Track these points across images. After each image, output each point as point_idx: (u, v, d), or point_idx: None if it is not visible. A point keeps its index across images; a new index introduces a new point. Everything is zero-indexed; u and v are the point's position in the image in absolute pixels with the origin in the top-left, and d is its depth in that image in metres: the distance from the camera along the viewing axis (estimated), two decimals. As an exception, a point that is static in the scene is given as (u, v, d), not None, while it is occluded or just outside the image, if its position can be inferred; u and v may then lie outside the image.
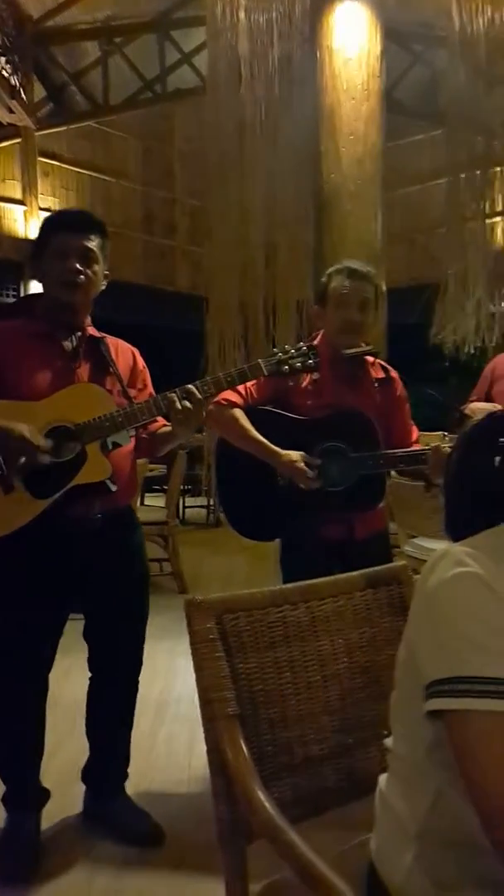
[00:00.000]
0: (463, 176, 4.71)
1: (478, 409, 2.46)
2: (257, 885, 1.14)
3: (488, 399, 2.89)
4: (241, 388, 2.21)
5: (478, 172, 4.69)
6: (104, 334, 2.05)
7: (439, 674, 0.83)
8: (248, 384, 2.22)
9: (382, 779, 1.04)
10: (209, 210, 4.93)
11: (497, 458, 0.95)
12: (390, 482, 3.57)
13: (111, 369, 1.99)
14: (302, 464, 2.12)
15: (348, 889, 0.86)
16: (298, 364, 1.95)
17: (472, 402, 2.88)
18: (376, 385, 2.33)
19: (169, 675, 3.19)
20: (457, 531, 0.98)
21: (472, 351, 4.85)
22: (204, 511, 7.67)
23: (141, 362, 2.14)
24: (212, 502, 7.33)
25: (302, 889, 0.92)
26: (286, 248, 4.37)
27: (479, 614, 0.83)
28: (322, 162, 3.55)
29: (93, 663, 2.10)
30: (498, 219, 5.05)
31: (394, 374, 2.37)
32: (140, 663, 2.12)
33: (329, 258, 3.10)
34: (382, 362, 2.40)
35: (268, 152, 4.12)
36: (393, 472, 2.55)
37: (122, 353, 2.09)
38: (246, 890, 1.13)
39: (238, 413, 2.22)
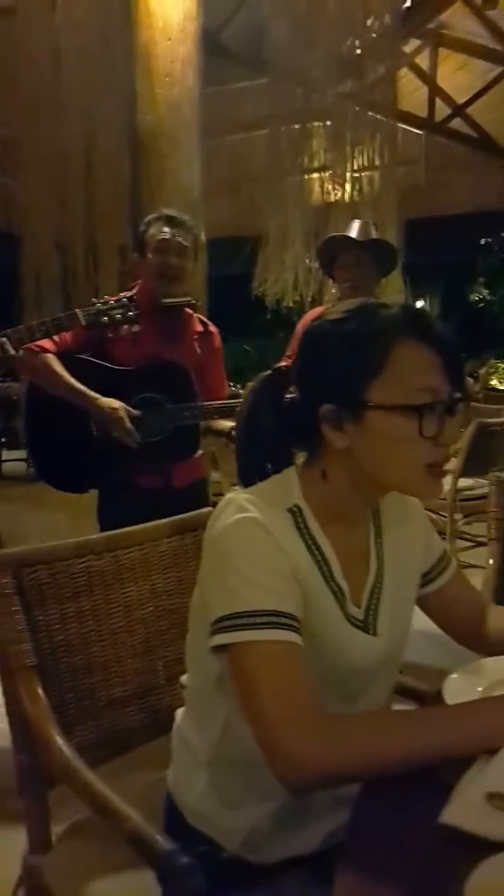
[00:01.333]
0: (283, 128, 4.78)
1: None
2: (61, 827, 1.18)
3: None
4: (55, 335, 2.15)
5: (297, 126, 4.78)
6: None
7: (222, 611, 0.88)
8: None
9: (179, 713, 1.11)
10: (21, 141, 4.63)
11: (281, 410, 1.02)
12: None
13: None
14: (122, 412, 2.11)
15: (141, 818, 0.91)
16: (118, 315, 1.93)
17: (287, 356, 2.95)
18: (195, 338, 2.36)
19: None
20: (247, 479, 1.03)
21: (291, 305, 5.00)
22: (23, 465, 7.39)
23: None
24: (31, 455, 7.04)
25: (101, 826, 0.96)
26: (107, 187, 4.22)
27: (257, 555, 0.90)
28: (137, 102, 3.45)
29: None
30: (316, 175, 5.19)
31: (212, 328, 2.41)
32: None
33: (147, 204, 3.05)
34: (201, 316, 2.43)
35: (85, 84, 3.93)
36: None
37: None
38: (48, 833, 1.16)
39: (51, 359, 2.16)
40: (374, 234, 2.89)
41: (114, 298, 1.94)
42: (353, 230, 2.81)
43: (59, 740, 1.05)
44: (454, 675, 1.01)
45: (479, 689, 0.96)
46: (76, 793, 1.00)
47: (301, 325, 3.03)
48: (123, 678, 1.27)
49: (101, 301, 1.93)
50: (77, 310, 1.92)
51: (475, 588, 1.21)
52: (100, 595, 1.26)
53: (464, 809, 0.73)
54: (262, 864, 0.99)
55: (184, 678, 1.10)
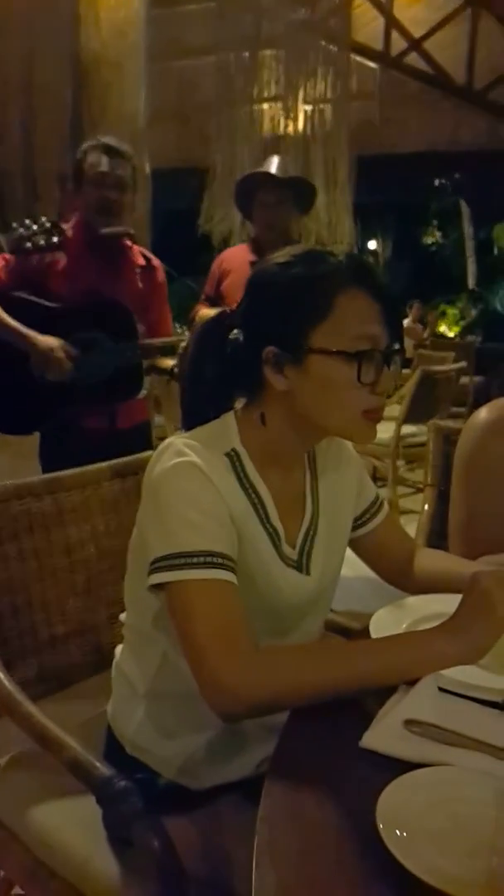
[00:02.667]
0: (232, 55, 4.61)
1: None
2: (3, 759, 1.22)
3: (218, 294, 2.78)
4: None
5: (247, 54, 4.62)
6: None
7: (160, 551, 0.91)
8: None
9: (118, 649, 1.15)
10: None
11: (222, 354, 1.03)
12: (158, 377, 3.60)
13: None
14: (61, 353, 2.07)
15: (81, 746, 0.95)
16: (42, 241, 1.86)
17: (204, 300, 2.88)
18: (137, 272, 2.31)
19: None
20: (190, 423, 1.05)
21: (238, 244, 4.90)
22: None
23: None
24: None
25: (44, 757, 1.00)
26: (47, 115, 4.03)
27: (194, 498, 0.92)
28: (81, 26, 3.28)
29: None
30: (267, 106, 5.04)
31: (155, 262, 2.36)
32: None
33: (88, 132, 2.93)
34: (143, 250, 2.37)
35: (24, 6, 3.70)
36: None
37: None
38: (-10, 764, 1.20)
39: None
40: (292, 172, 2.82)
41: (36, 223, 1.87)
42: (272, 166, 2.73)
43: (1, 674, 1.08)
44: (381, 612, 1.06)
45: (404, 625, 1.02)
46: (18, 724, 1.03)
47: (217, 262, 2.89)
48: (65, 616, 1.30)
49: (23, 226, 1.85)
50: None
51: (405, 531, 1.27)
52: (41, 536, 1.28)
53: (382, 734, 0.79)
54: (198, 789, 1.05)
55: (122, 616, 1.13)
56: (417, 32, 6.16)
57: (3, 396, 2.21)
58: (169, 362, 2.23)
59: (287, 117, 5.00)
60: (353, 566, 1.22)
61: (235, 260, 2.77)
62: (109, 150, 2.15)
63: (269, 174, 2.69)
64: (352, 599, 1.34)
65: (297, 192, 2.69)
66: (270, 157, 2.89)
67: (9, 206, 4.29)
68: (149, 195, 3.34)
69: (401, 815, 0.65)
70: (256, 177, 2.74)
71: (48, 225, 1.88)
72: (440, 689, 0.85)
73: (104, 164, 2.12)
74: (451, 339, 10.95)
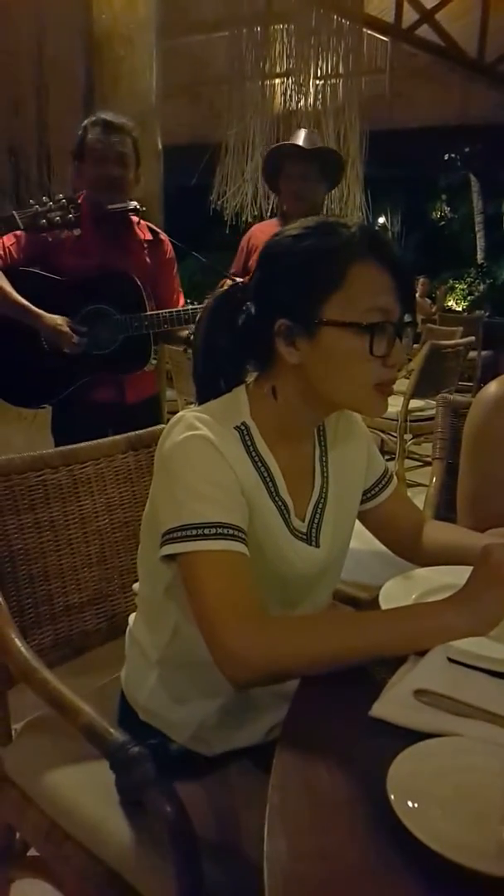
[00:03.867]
0: (244, 30, 4.54)
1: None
2: (20, 725, 1.25)
3: (246, 271, 2.80)
4: None
5: (258, 28, 4.54)
6: None
7: (172, 523, 0.92)
8: (8, 244, 2.10)
9: (131, 618, 1.17)
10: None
11: (235, 327, 1.03)
12: (170, 351, 3.60)
13: None
14: (66, 328, 2.09)
15: (95, 712, 0.97)
16: (57, 218, 1.87)
17: (233, 273, 2.87)
18: (145, 246, 2.31)
19: None
20: (204, 396, 1.06)
21: (250, 220, 4.87)
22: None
23: None
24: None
25: (58, 722, 1.03)
26: (60, 91, 4.00)
27: (204, 471, 0.93)
28: (92, 1, 3.24)
29: None
30: (278, 81, 4.97)
31: (163, 236, 2.36)
32: None
33: (101, 107, 2.90)
34: (150, 224, 2.37)
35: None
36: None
37: None
38: (8, 728, 1.23)
39: None
40: (319, 143, 2.79)
41: (52, 200, 1.87)
42: (300, 139, 2.71)
43: (18, 642, 1.10)
44: (390, 583, 1.08)
45: (413, 595, 1.03)
46: (34, 690, 1.06)
47: (245, 239, 2.91)
48: (80, 586, 1.32)
49: (39, 203, 1.85)
50: (14, 212, 1.85)
51: (413, 504, 1.28)
52: (56, 507, 1.30)
53: (392, 704, 0.80)
54: (209, 755, 1.07)
55: (136, 586, 1.15)
56: (429, 3, 6.04)
57: (13, 370, 2.23)
58: (185, 332, 2.23)
59: (298, 92, 4.93)
60: (364, 539, 1.23)
61: (264, 235, 2.75)
62: (108, 126, 2.13)
63: (296, 146, 2.67)
64: (362, 572, 1.35)
65: (324, 164, 2.66)
66: (298, 130, 2.88)
67: (23, 181, 4.28)
68: (160, 171, 3.32)
69: (411, 785, 0.66)
70: (283, 149, 2.72)
71: (64, 201, 1.87)
72: (449, 659, 0.86)
73: (103, 140, 2.11)
74: (459, 313, 10.89)
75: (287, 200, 2.72)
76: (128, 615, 1.20)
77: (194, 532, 0.90)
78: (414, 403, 4.00)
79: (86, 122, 2.19)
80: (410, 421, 4.05)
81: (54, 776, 1.12)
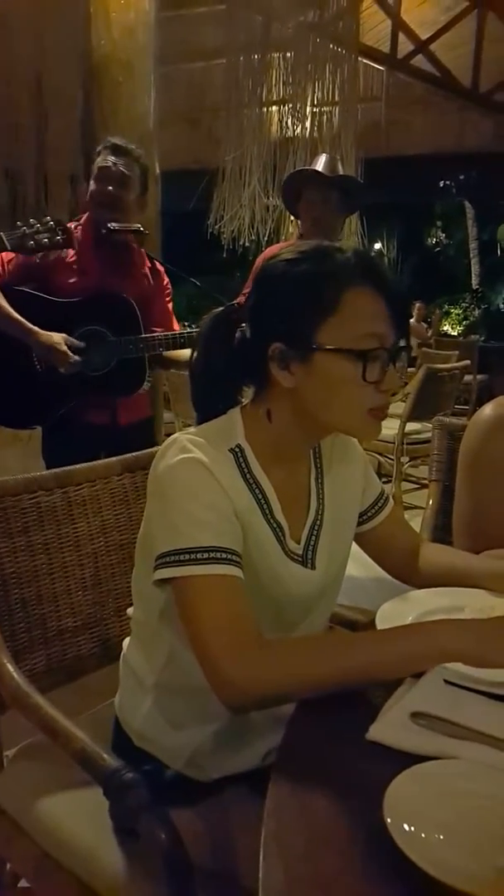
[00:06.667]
0: (241, 58, 4.61)
1: None
2: (12, 751, 1.23)
3: None
4: None
5: (255, 56, 4.61)
6: None
7: (166, 546, 0.92)
8: (6, 260, 2.12)
9: (126, 642, 1.15)
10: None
11: (230, 348, 1.04)
12: (167, 373, 3.60)
13: None
14: (64, 346, 2.09)
15: (88, 738, 0.95)
16: (45, 239, 1.88)
17: (244, 295, 2.90)
18: (145, 272, 2.33)
19: None
20: (202, 417, 1.06)
21: (248, 244, 4.92)
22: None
23: None
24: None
25: (51, 748, 1.01)
26: (58, 115, 4.05)
27: (198, 494, 0.93)
28: (91, 26, 3.29)
29: None
30: (275, 108, 5.05)
31: (159, 266, 2.39)
32: None
33: (99, 133, 2.95)
34: (148, 252, 2.39)
35: (36, 7, 3.72)
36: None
37: None
38: (0, 756, 1.21)
39: None
40: (341, 170, 2.81)
41: (40, 222, 1.89)
42: (320, 164, 2.73)
43: (10, 667, 1.09)
44: (387, 605, 1.07)
45: (410, 617, 1.03)
46: (26, 716, 1.04)
47: (260, 260, 2.98)
48: (73, 609, 1.31)
49: (27, 225, 1.88)
50: (1, 233, 1.87)
51: (410, 526, 1.28)
52: (50, 530, 1.29)
53: (389, 727, 0.79)
54: (204, 780, 1.05)
55: (130, 610, 1.14)
56: (424, 34, 6.15)
57: (6, 390, 2.22)
58: (185, 353, 2.24)
59: (295, 119, 5.00)
60: (365, 566, 1.22)
61: None
62: (116, 149, 2.20)
63: (315, 172, 2.68)
64: (362, 597, 1.35)
65: (343, 190, 2.68)
66: (319, 155, 2.89)
67: (20, 206, 4.32)
68: (158, 196, 3.35)
69: (408, 809, 0.65)
70: (303, 174, 2.74)
71: (52, 223, 1.89)
72: (446, 681, 0.85)
73: (108, 160, 2.16)
74: (454, 337, 10.98)
75: (304, 225, 2.74)
76: (122, 639, 1.19)
77: (188, 556, 0.90)
78: (410, 426, 4.02)
79: (99, 147, 2.25)
80: (407, 444, 4.06)
81: (46, 804, 1.11)
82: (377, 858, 0.62)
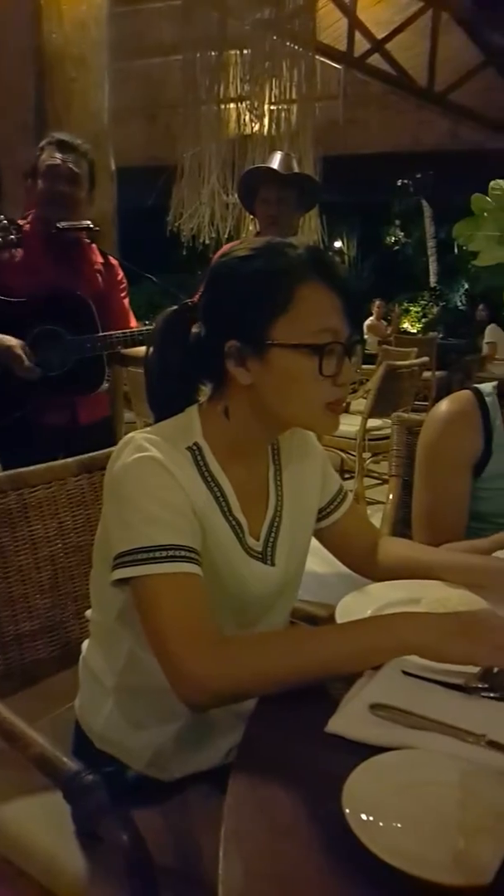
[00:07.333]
0: (198, 55, 4.59)
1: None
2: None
3: None
4: None
5: (212, 53, 4.60)
6: None
7: (123, 546, 0.91)
8: None
9: (85, 645, 1.14)
10: None
11: (186, 346, 1.03)
12: (127, 372, 3.57)
13: None
14: (20, 350, 2.06)
15: (47, 742, 0.94)
16: None
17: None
18: (96, 268, 2.30)
19: None
20: (159, 415, 1.05)
21: (208, 242, 4.90)
22: None
23: None
24: None
25: (9, 753, 0.99)
26: (9, 111, 3.99)
27: (155, 493, 0.92)
28: (42, 19, 3.24)
29: None
30: (233, 105, 5.03)
31: (113, 260, 2.35)
32: None
33: (53, 129, 2.90)
34: (101, 248, 2.36)
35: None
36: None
37: None
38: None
39: None
40: (296, 168, 2.82)
41: None
42: (275, 162, 2.73)
43: (-35, 673, 1.07)
44: (347, 598, 1.07)
45: (369, 610, 1.03)
46: (-17, 722, 1.02)
47: (215, 259, 2.96)
48: (31, 613, 1.29)
49: None
50: None
51: (369, 521, 1.29)
52: (5, 533, 1.26)
53: (348, 719, 0.80)
54: (167, 780, 1.05)
55: (89, 612, 1.13)
56: (380, 34, 6.20)
57: None
58: (142, 351, 2.22)
59: (253, 116, 5.00)
60: (325, 561, 1.23)
61: None
62: (62, 145, 2.15)
63: (271, 170, 2.69)
64: (323, 593, 1.35)
65: (299, 189, 2.68)
66: (274, 153, 2.90)
67: (-29, 203, 4.24)
68: (114, 192, 3.31)
69: (367, 799, 0.65)
70: (259, 172, 2.74)
71: (5, 222, 1.86)
72: (404, 672, 0.86)
73: (56, 157, 2.12)
74: (413, 335, 11.10)
75: (261, 223, 2.74)
76: (82, 642, 1.17)
77: (146, 556, 0.89)
78: (372, 423, 4.05)
79: (42, 142, 2.20)
80: (368, 440, 4.10)
81: (6, 810, 1.09)
82: (337, 851, 0.62)
